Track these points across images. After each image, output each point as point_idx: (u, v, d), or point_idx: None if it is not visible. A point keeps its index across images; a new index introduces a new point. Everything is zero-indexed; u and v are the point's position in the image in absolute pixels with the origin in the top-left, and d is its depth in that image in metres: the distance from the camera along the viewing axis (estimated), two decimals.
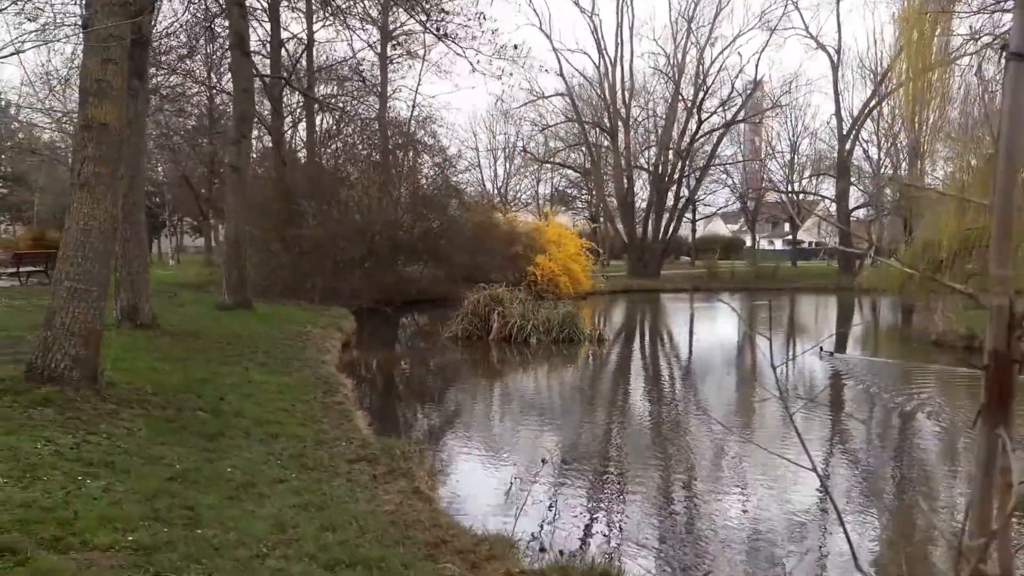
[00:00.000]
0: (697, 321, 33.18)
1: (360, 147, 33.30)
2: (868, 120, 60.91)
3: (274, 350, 14.27)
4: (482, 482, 8.54)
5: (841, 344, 25.41)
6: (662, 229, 53.74)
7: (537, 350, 19.98)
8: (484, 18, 19.00)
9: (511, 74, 46.06)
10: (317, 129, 36.22)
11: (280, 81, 29.05)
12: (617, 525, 7.28)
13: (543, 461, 7.92)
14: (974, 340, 20.88)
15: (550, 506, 7.56)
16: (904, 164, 63.37)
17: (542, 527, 6.93)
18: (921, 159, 60.82)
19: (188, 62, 29.37)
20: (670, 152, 53.71)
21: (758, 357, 21.49)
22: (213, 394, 9.82)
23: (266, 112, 32.68)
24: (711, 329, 29.50)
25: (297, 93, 34.50)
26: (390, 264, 31.64)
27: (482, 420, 11.78)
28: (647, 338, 26.83)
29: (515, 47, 26.49)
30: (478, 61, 19.13)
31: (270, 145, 35.31)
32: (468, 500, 7.75)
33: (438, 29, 19.16)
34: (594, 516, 7.48)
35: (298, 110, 36.66)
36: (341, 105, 30.45)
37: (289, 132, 36.68)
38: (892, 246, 74.63)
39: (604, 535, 7.03)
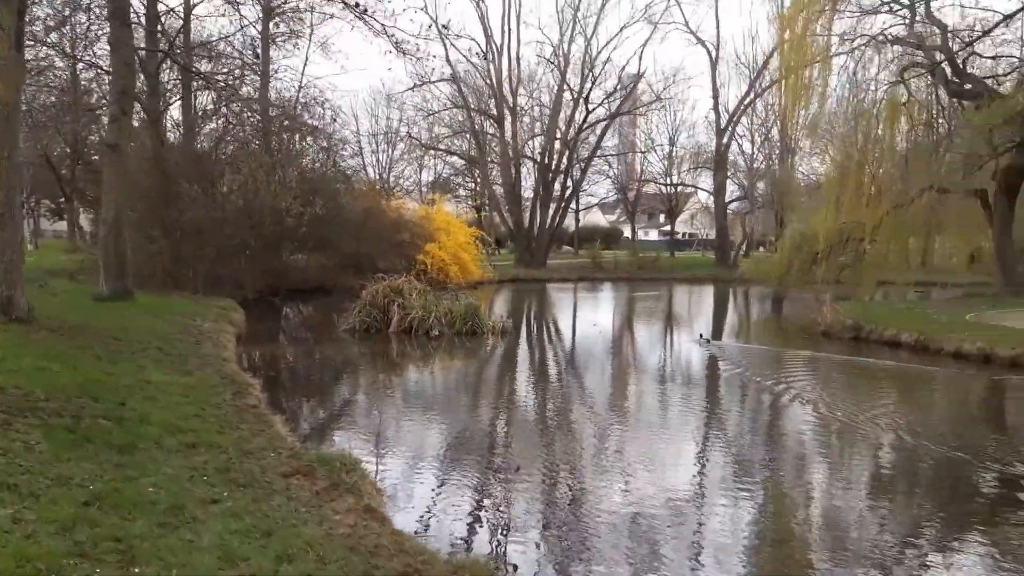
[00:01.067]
0: (592, 311, 33.35)
1: (242, 128, 31.75)
2: (744, 116, 63.00)
3: (167, 346, 13.19)
4: (432, 493, 7.95)
5: (722, 332, 26.20)
6: (549, 219, 53.98)
7: (439, 343, 19.43)
8: None
9: (433, 56, 45.18)
10: (194, 108, 34.34)
11: (156, 56, 27.28)
12: (588, 543, 6.88)
13: (514, 469, 7.31)
14: (861, 331, 21.65)
15: (512, 520, 7.11)
16: (776, 159, 65.99)
17: (500, 543, 6.48)
18: (792, 154, 63.66)
19: (55, 35, 27.31)
20: (556, 142, 53.95)
21: (655, 346, 21.77)
22: (112, 398, 8.86)
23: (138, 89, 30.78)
24: (606, 319, 29.68)
25: (171, 70, 32.63)
26: (275, 251, 30.39)
27: (409, 423, 11.11)
28: (548, 329, 26.70)
29: (444, 26, 25.50)
30: (396, 41, 18.32)
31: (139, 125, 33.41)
32: (424, 516, 7.17)
33: (357, 5, 18.20)
34: (560, 530, 7.06)
35: (173, 88, 34.66)
36: (230, 82, 28.84)
37: (162, 111, 34.63)
38: (764, 238, 77.82)
39: (575, 552, 6.62)
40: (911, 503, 8.43)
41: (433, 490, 8.06)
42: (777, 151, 66.16)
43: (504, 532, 6.67)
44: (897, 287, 40.24)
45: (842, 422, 11.79)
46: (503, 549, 6.41)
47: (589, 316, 30.80)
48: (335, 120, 35.42)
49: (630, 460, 9.49)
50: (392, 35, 18.47)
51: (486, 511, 7.44)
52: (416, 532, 6.43)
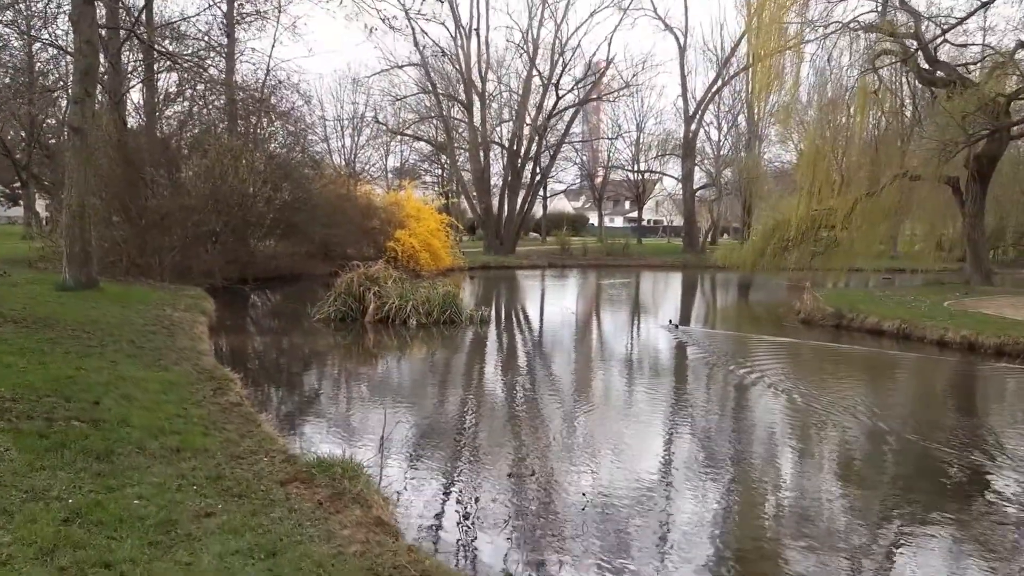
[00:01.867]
0: (566, 299, 32.97)
1: (208, 110, 30.84)
2: (711, 103, 62.84)
3: (140, 339, 12.51)
4: (436, 500, 7.44)
5: (705, 319, 26.05)
6: (518, 205, 53.47)
7: (417, 333, 18.91)
8: None
9: (424, 32, 44.45)
10: (157, 91, 33.26)
11: (118, 36, 26.28)
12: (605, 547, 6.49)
13: (529, 473, 6.76)
14: (842, 318, 21.48)
15: (526, 528, 6.65)
16: (743, 146, 66.07)
17: (515, 556, 6.04)
18: (760, 141, 63.82)
19: (10, 12, 26.24)
20: (526, 128, 53.38)
21: (634, 334, 21.39)
22: (86, 397, 8.27)
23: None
24: (581, 306, 29.34)
25: (132, 51, 31.59)
26: (243, 238, 29.63)
27: (400, 420, 10.44)
28: (525, 317, 26.19)
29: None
30: (383, 17, 17.68)
31: (100, 108, 32.37)
32: (434, 527, 6.68)
33: None
34: (579, 539, 6.64)
35: (134, 70, 33.51)
36: (198, 59, 27.84)
37: (123, 94, 33.47)
38: (729, 225, 78.13)
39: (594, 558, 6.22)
40: (876, 491, 8.30)
41: (437, 496, 7.56)
42: (744, 139, 66.28)
43: (519, 543, 6.23)
44: (863, 274, 40.52)
45: (816, 409, 11.78)
46: (520, 562, 5.99)
47: (564, 304, 30.44)
48: (308, 102, 34.54)
49: (641, 456, 9.16)
50: (380, 11, 17.70)
51: (496, 519, 6.95)
52: (432, 547, 5.97)
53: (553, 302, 31.75)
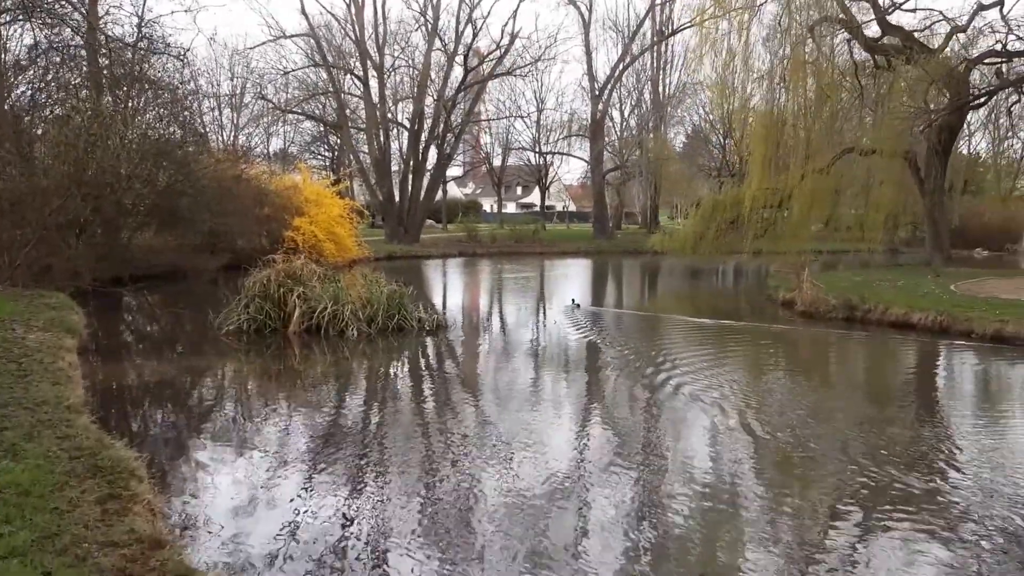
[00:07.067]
0: (511, 293, 28.93)
1: (69, 70, 25.42)
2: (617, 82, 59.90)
3: None
4: None
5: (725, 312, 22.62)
6: (423, 190, 49.01)
7: (359, 346, 14.62)
8: None
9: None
10: (4, 53, 27.37)
11: None
12: None
13: None
14: (855, 310, 18.42)
15: None
16: (649, 127, 63.56)
17: None
18: (665, 122, 61.48)
19: None
20: (427, 106, 48.91)
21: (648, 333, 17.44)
22: None
23: None
24: (530, 302, 25.42)
25: None
26: (116, 229, 24.44)
27: (431, 524, 6.35)
28: (481, 318, 21.47)
29: None
30: None
31: None
32: None
33: None
34: None
35: None
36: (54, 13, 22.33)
37: None
38: (625, 210, 76.00)
39: None
40: None
41: None
42: (651, 120, 63.61)
43: None
44: (789, 256, 38.06)
45: None
46: None
47: (513, 299, 26.60)
48: (183, 61, 29.26)
49: None
50: None
51: None
52: None
53: (501, 298, 27.66)
